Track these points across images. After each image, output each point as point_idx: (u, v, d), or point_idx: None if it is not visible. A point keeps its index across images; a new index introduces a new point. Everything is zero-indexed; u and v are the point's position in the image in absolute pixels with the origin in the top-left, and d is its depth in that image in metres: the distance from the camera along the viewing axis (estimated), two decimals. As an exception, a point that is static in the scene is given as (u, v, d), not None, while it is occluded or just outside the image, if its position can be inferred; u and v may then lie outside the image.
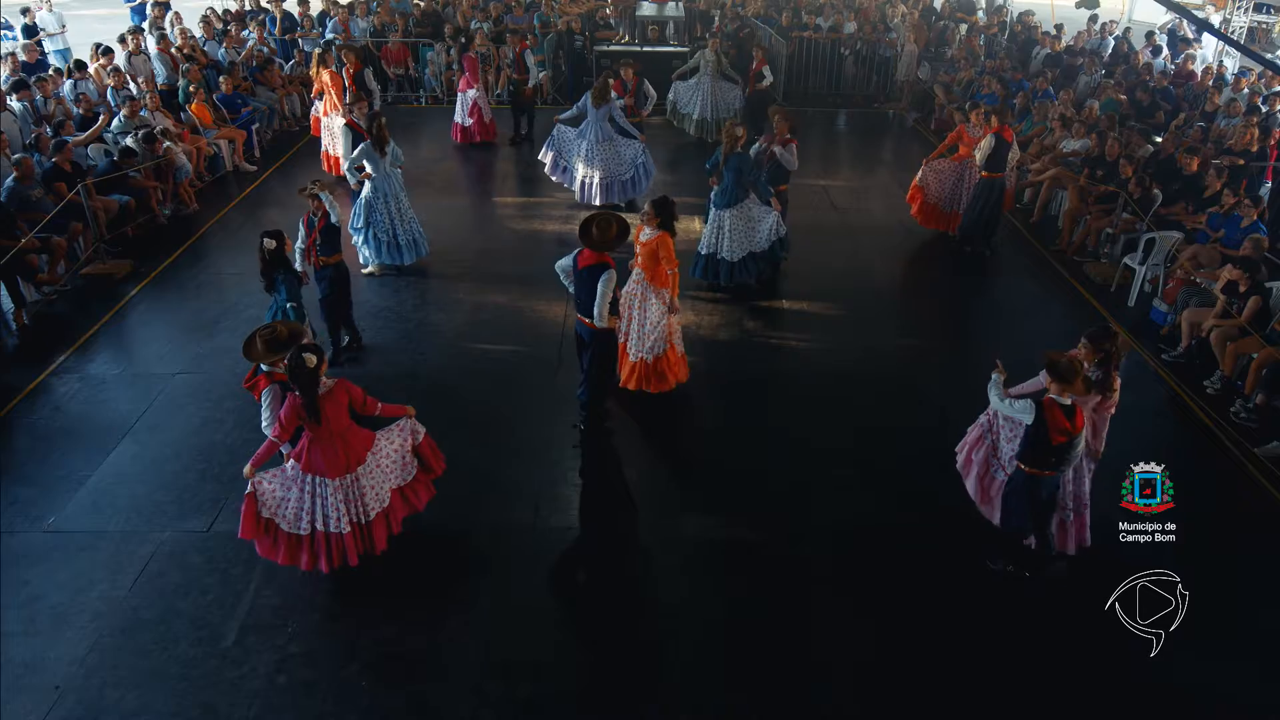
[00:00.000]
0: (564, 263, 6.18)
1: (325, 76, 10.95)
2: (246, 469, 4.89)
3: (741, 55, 13.34)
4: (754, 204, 8.20)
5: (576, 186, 10.25)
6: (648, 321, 6.60)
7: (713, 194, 8.28)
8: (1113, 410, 5.22)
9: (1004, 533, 5.35)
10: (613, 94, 9.94)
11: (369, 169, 8.26)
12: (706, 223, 8.39)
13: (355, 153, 8.34)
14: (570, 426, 6.56)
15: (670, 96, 12.87)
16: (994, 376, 5.15)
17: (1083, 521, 5.34)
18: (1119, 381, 5.15)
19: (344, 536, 4.99)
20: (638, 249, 6.45)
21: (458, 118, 12.49)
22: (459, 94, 12.44)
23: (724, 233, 8.22)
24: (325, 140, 11.14)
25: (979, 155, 9.07)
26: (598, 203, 10.02)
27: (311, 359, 4.76)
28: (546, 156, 10.45)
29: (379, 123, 8.25)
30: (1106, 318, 8.35)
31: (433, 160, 12.07)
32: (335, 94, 10.86)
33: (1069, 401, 4.82)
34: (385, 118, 8.44)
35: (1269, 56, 17.04)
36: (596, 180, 10.07)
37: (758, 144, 8.62)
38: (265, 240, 6.28)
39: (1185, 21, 17.40)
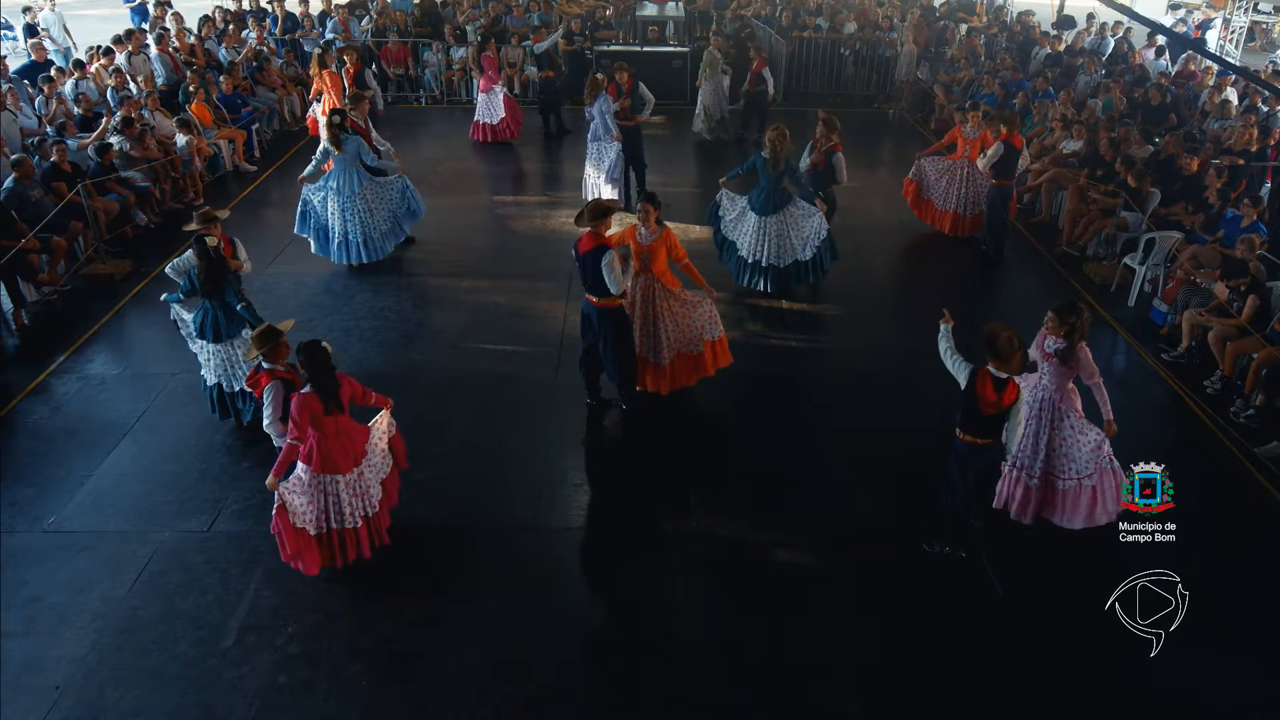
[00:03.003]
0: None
1: (325, 77, 10.94)
2: (270, 480, 4.90)
3: (741, 55, 13.35)
4: (797, 207, 8.14)
5: (583, 181, 10.30)
6: (695, 320, 6.60)
7: (752, 199, 8.18)
8: (1097, 379, 5.30)
9: (944, 512, 5.42)
10: (603, 94, 9.91)
11: (331, 161, 8.49)
12: (742, 228, 8.29)
13: (318, 151, 8.55)
14: (591, 424, 6.65)
15: (700, 99, 12.92)
16: (943, 327, 5.26)
17: (1091, 495, 5.37)
18: (1088, 352, 5.24)
19: (358, 531, 5.04)
20: (634, 248, 6.37)
21: (481, 117, 12.49)
22: (480, 94, 12.44)
23: (770, 238, 8.15)
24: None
25: (982, 162, 9.06)
26: (588, 198, 10.03)
27: (330, 347, 4.84)
28: None
29: (336, 119, 8.39)
30: (1106, 317, 8.36)
31: (433, 160, 12.07)
32: (335, 94, 10.85)
33: (1004, 376, 4.86)
34: (341, 119, 8.51)
35: (1272, 56, 17.07)
36: (590, 179, 10.12)
37: (808, 149, 8.73)
38: (207, 238, 6.05)
39: (1183, 22, 17.44)
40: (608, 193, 9.91)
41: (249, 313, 6.16)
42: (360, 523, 5.04)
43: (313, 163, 8.62)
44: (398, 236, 8.91)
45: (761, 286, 8.32)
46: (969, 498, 5.23)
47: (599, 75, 10.16)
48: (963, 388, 5.00)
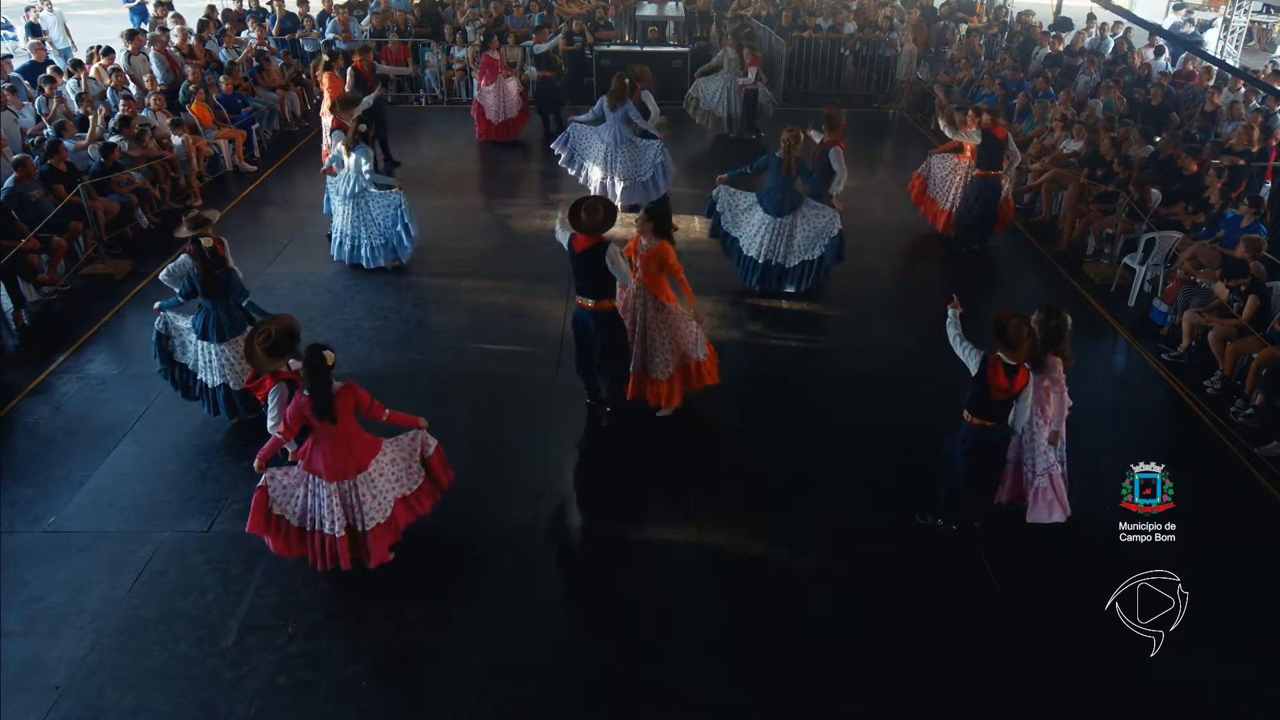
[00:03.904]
0: (560, 236, 6.16)
1: (325, 80, 10.91)
2: (255, 463, 4.93)
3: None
4: (810, 207, 8.13)
5: (594, 188, 10.10)
6: (683, 336, 6.42)
7: (763, 199, 8.14)
8: (1060, 389, 5.28)
9: (941, 488, 5.48)
10: (628, 99, 9.81)
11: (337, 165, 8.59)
12: (747, 226, 8.26)
13: (336, 148, 8.63)
14: (591, 424, 6.60)
15: (691, 91, 13.02)
16: (950, 313, 5.31)
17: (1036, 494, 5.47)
18: (1059, 363, 5.24)
19: (337, 540, 4.96)
20: (636, 261, 6.31)
21: (490, 116, 12.58)
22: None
23: (782, 238, 8.13)
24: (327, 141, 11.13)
25: (948, 131, 9.36)
26: (619, 204, 9.99)
27: (330, 356, 4.74)
28: (561, 149, 10.32)
29: (356, 126, 8.48)
30: (1106, 317, 8.36)
31: (434, 160, 12.07)
32: (332, 97, 10.80)
33: (1014, 362, 4.91)
34: (367, 127, 8.61)
35: (1272, 57, 17.08)
36: (618, 185, 9.97)
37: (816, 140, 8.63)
38: (201, 240, 6.02)
39: (1190, 22, 17.44)
40: (651, 195, 9.89)
41: (254, 309, 6.16)
42: (342, 533, 4.95)
43: (330, 157, 8.73)
44: (391, 254, 8.78)
45: (770, 286, 8.32)
46: (969, 478, 5.28)
47: (626, 79, 9.90)
48: (973, 374, 5.05)
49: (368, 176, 8.50)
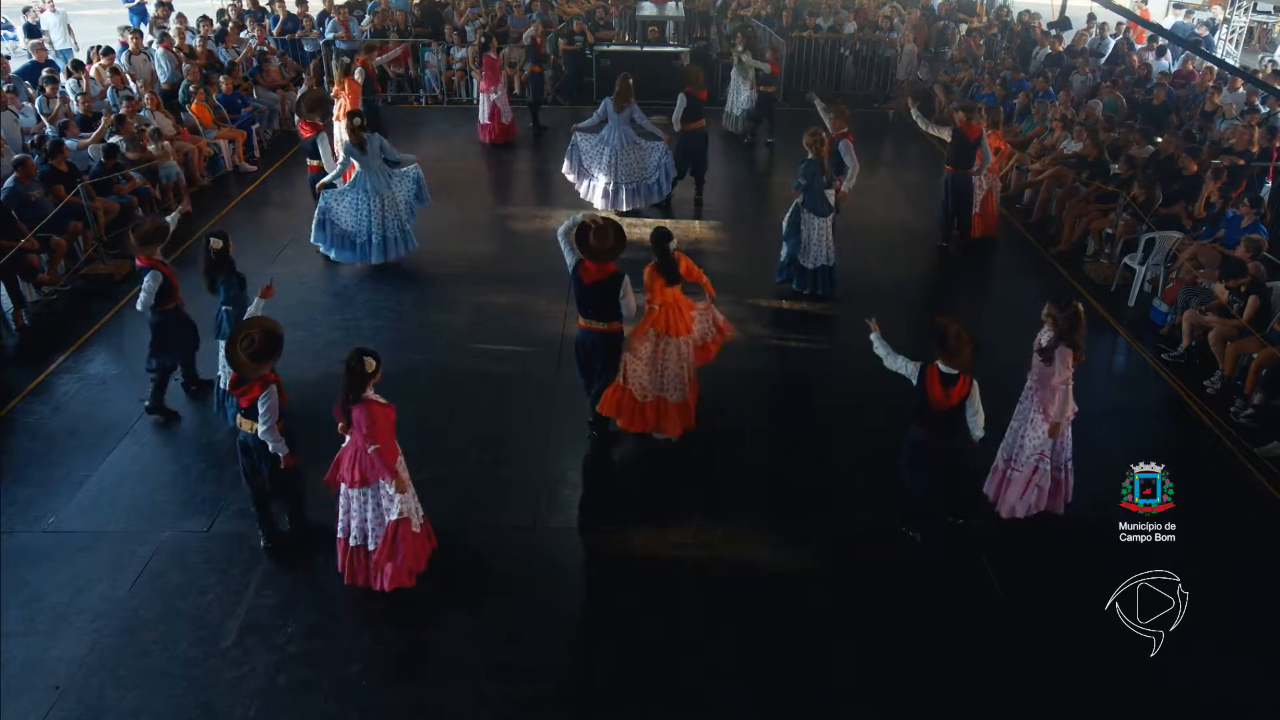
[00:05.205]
0: (566, 255, 5.98)
1: (346, 85, 10.86)
2: (340, 425, 4.88)
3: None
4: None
5: (598, 194, 10.00)
6: (681, 365, 6.19)
7: (811, 205, 8.11)
8: (1057, 382, 5.26)
9: (907, 496, 5.45)
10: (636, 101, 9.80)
11: (355, 164, 8.45)
12: (803, 233, 8.23)
13: (342, 156, 8.57)
14: (587, 434, 6.51)
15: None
16: (874, 336, 5.29)
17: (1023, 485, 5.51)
18: (1068, 356, 5.21)
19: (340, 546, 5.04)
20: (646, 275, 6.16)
21: (480, 118, 12.58)
22: (481, 94, 12.52)
23: (830, 237, 8.20)
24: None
25: (921, 123, 9.60)
26: (624, 208, 9.97)
27: (371, 363, 4.68)
28: (571, 173, 10.13)
29: (352, 123, 8.39)
30: (1106, 317, 8.36)
31: (434, 160, 12.00)
32: (352, 102, 10.74)
33: (953, 371, 4.84)
34: (360, 119, 8.52)
35: (1270, 57, 17.08)
36: (624, 190, 9.93)
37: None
38: (211, 240, 6.10)
39: (1206, 25, 17.45)
40: (654, 198, 9.96)
41: (227, 319, 6.11)
42: (341, 534, 4.98)
43: (337, 168, 8.60)
44: (404, 246, 8.81)
45: (821, 290, 8.37)
46: (928, 486, 5.26)
47: (631, 80, 9.79)
48: (914, 384, 5.01)
49: (393, 156, 8.51)
